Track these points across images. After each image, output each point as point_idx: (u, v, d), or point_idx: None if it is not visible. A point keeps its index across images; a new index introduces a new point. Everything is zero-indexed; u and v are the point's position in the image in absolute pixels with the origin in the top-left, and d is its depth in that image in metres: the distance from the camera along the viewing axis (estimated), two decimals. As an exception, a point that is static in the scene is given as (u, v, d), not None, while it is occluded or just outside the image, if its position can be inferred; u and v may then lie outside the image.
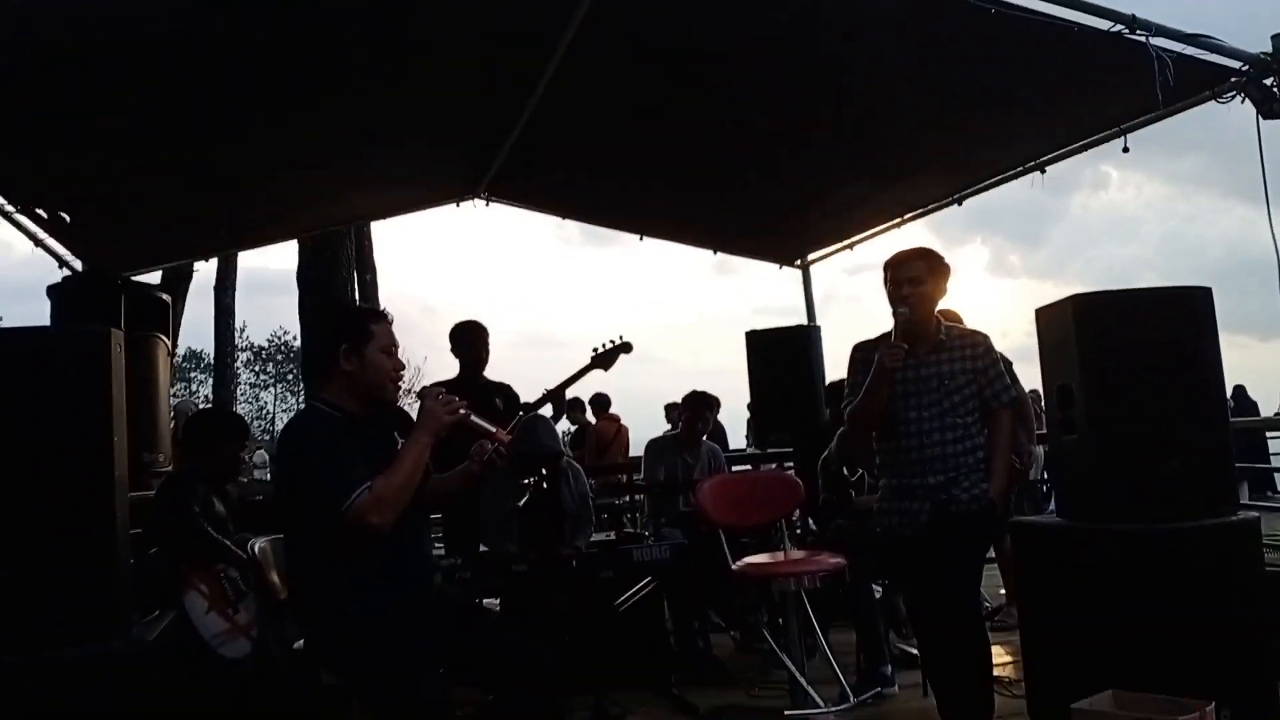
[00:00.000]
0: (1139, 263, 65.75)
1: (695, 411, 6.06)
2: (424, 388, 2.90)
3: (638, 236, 7.20)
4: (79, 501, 2.50)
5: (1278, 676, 3.27)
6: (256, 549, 3.27)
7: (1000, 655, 4.62)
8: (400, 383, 2.91)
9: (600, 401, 10.94)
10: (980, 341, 3.49)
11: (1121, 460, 3.41)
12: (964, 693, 3.41)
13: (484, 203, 6.68)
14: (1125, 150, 4.69)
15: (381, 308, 2.94)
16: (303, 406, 2.95)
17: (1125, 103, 4.48)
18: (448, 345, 5.14)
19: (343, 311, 3.35)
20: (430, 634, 2.68)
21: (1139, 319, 3.47)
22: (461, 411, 2.76)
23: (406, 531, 2.74)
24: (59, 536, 2.46)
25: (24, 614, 2.43)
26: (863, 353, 3.56)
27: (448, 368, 5.22)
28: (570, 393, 4.60)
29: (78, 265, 5.58)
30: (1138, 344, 3.44)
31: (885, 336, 3.46)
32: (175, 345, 5.88)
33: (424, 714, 2.45)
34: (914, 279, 3.44)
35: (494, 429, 2.85)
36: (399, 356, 2.88)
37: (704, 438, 6.16)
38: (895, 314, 3.42)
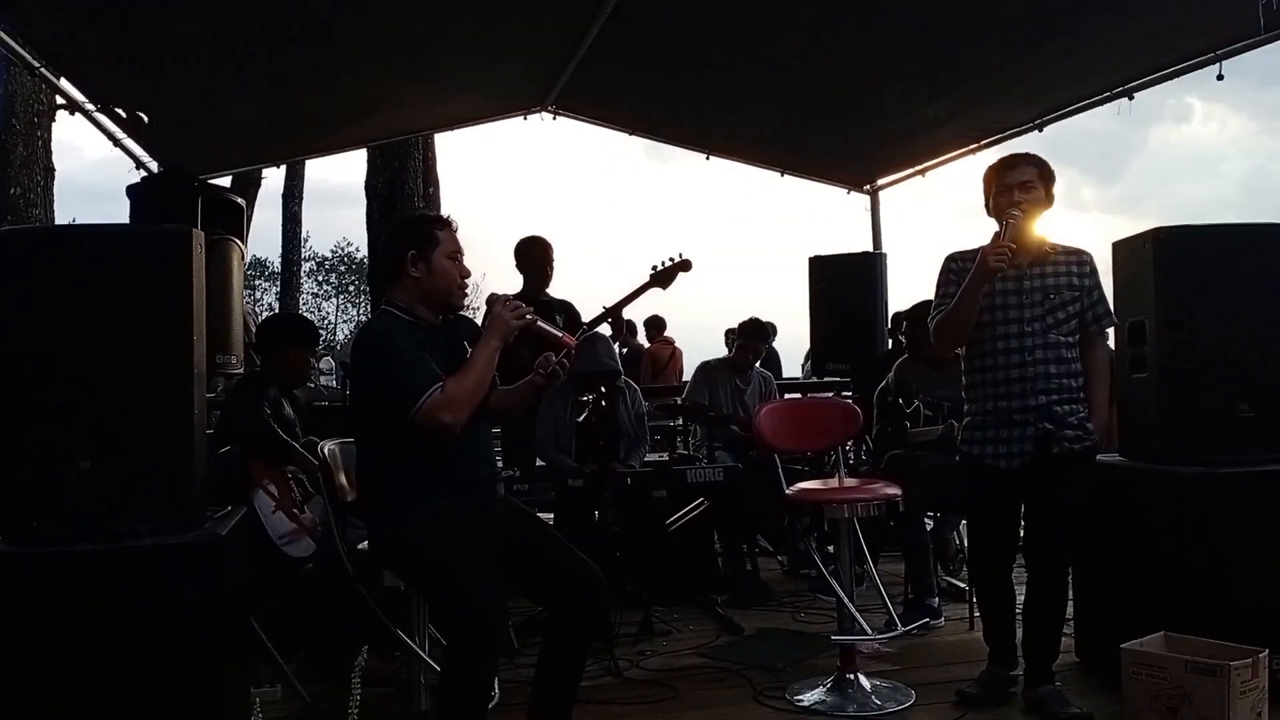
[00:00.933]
0: (1218, 201, 62.96)
1: (749, 340, 6.00)
2: (491, 294, 2.92)
3: (704, 155, 7.10)
4: (159, 396, 2.56)
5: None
6: (326, 451, 3.36)
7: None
8: (466, 289, 2.93)
9: (656, 324, 10.92)
10: (1087, 260, 3.31)
11: (1190, 400, 3.36)
12: (1038, 630, 3.34)
13: (551, 116, 6.63)
14: (1220, 78, 4.48)
15: (446, 215, 2.94)
16: (376, 311, 3.00)
17: (1222, 27, 4.28)
18: (509, 262, 5.16)
19: (408, 218, 3.38)
20: (492, 540, 2.75)
21: (1219, 257, 3.37)
22: (528, 317, 2.79)
23: (473, 438, 2.80)
24: (139, 430, 2.54)
25: (104, 504, 2.52)
26: (958, 263, 3.34)
27: (508, 285, 5.25)
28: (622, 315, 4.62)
29: (153, 167, 5.69)
30: (1215, 283, 3.35)
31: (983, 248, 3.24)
32: (247, 250, 5.98)
33: (483, 616, 2.52)
34: (1026, 184, 3.25)
35: (560, 334, 2.88)
36: (463, 264, 2.90)
37: (756, 365, 6.15)
38: (1006, 215, 3.20)
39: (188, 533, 2.58)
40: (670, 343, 10.77)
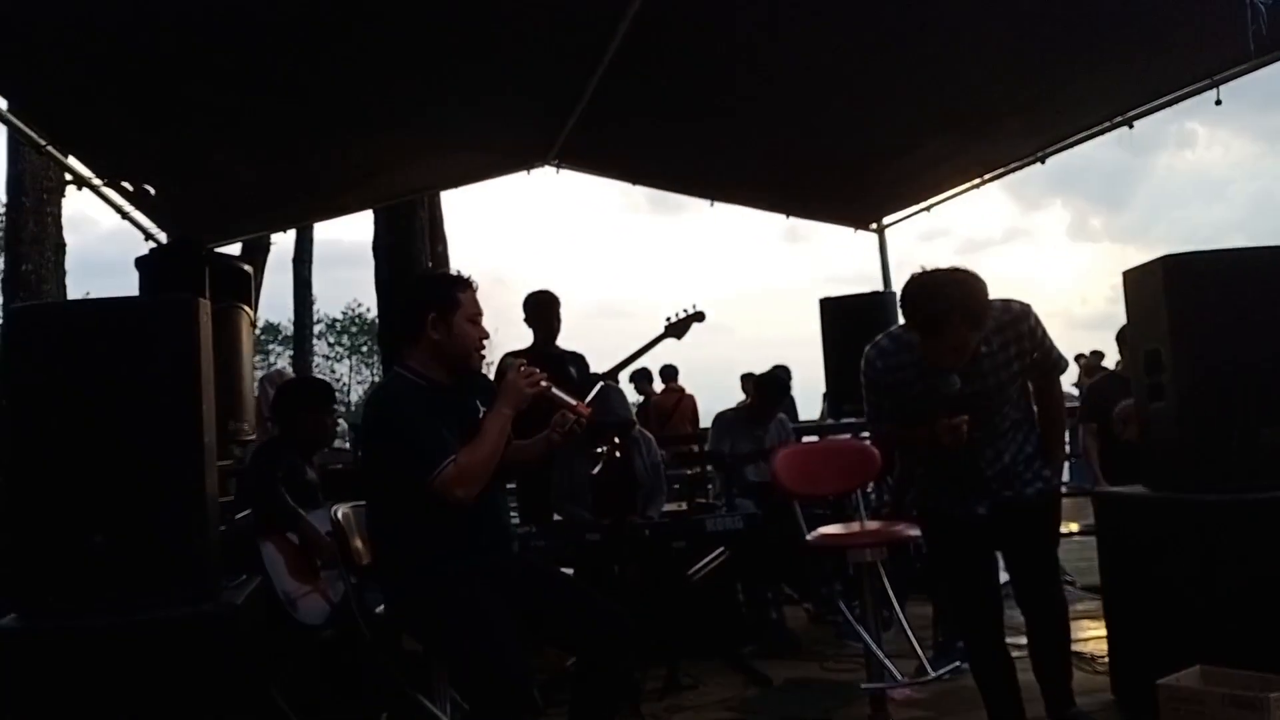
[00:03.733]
0: (1227, 224, 62.93)
1: (771, 396, 6.08)
2: (505, 358, 2.91)
3: (709, 202, 7.13)
4: (170, 467, 2.57)
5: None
6: (339, 515, 3.33)
7: (1084, 629, 4.52)
8: (484, 352, 2.92)
9: (667, 373, 10.91)
10: (1020, 317, 3.02)
11: (1210, 428, 3.30)
12: (1048, 664, 3.21)
13: (555, 170, 6.67)
14: (1218, 103, 4.49)
15: (467, 276, 2.93)
16: (388, 374, 2.98)
17: (1217, 53, 4.29)
18: (519, 316, 5.18)
19: (430, 279, 3.36)
20: (511, 597, 2.71)
21: (1232, 281, 3.33)
22: (543, 384, 2.77)
23: (487, 500, 2.77)
24: (150, 502, 2.54)
25: (116, 578, 2.51)
26: (879, 375, 3.11)
27: (519, 339, 5.25)
28: (638, 364, 4.63)
29: (162, 238, 5.74)
30: (1229, 307, 3.30)
31: (912, 344, 2.98)
32: (256, 316, 6.02)
33: (506, 679, 2.48)
34: (958, 347, 2.85)
35: (574, 402, 2.85)
36: (483, 325, 2.88)
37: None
38: (942, 383, 2.91)
39: (202, 603, 2.57)
40: (679, 391, 10.76)
